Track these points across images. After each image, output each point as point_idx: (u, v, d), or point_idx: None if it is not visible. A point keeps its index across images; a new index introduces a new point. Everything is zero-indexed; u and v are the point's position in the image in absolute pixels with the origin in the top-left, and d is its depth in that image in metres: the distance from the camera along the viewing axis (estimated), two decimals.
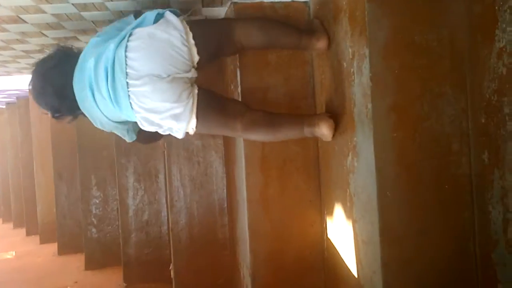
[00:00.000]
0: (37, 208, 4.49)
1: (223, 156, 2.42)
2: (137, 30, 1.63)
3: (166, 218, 2.93)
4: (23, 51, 2.58)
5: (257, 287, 1.88)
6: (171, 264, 2.54)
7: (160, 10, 1.66)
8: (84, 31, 2.24)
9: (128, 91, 1.59)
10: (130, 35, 1.61)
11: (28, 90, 1.95)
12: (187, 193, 2.40)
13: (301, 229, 1.92)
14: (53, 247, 4.13)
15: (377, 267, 1.43)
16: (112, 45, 1.62)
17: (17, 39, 2.30)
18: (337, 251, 1.78)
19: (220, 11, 2.08)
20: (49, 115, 1.91)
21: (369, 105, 1.43)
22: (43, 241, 4.47)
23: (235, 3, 1.91)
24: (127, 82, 1.58)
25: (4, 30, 2.11)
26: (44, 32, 2.19)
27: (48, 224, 4.39)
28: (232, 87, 2.09)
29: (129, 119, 1.73)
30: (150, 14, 1.66)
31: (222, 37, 1.74)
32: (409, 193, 1.43)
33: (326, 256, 1.91)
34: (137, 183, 2.91)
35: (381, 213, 1.41)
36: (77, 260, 3.67)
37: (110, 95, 1.62)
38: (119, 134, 1.93)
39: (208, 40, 1.68)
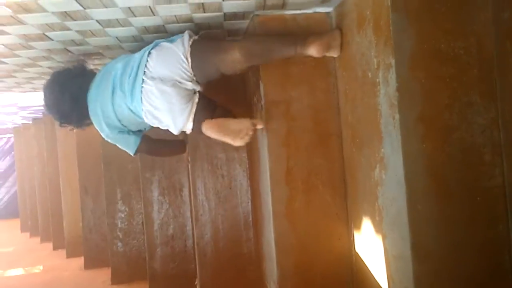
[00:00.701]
0: (64, 222, 4.55)
1: (247, 169, 2.40)
2: (162, 43, 1.95)
3: (191, 231, 2.93)
4: (48, 67, 2.63)
5: None
6: (196, 279, 2.52)
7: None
8: (109, 47, 2.27)
9: (142, 86, 1.89)
10: (156, 45, 1.95)
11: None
12: (211, 206, 2.39)
13: (328, 243, 1.89)
14: (79, 261, 4.16)
15: (409, 283, 1.39)
16: (142, 51, 1.96)
17: (43, 56, 2.35)
18: (366, 266, 1.74)
19: (242, 25, 2.08)
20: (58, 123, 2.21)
21: (396, 116, 1.40)
22: (69, 255, 4.52)
23: (256, 15, 1.91)
24: (142, 79, 1.88)
25: (31, 47, 2.15)
26: (69, 48, 2.23)
27: (75, 238, 4.44)
28: (255, 99, 2.08)
29: (136, 114, 1.96)
30: (179, 35, 1.97)
31: (220, 57, 1.89)
32: (440, 206, 1.39)
33: (355, 270, 1.87)
34: (162, 197, 2.92)
35: (412, 227, 1.38)
36: (104, 274, 3.68)
37: (129, 87, 1.92)
38: (122, 146, 2.14)
39: (205, 61, 1.90)
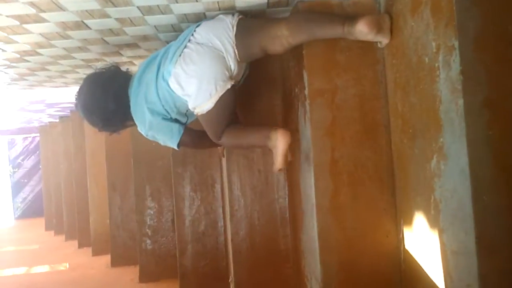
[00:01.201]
0: (90, 220, 4.53)
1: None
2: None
3: (222, 228, 2.86)
4: (83, 60, 2.60)
5: None
6: (230, 276, 2.45)
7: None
8: (146, 38, 2.22)
9: (182, 51, 1.84)
10: (206, 19, 1.94)
11: (76, 103, 2.09)
12: (247, 202, 2.32)
13: (375, 240, 1.80)
14: (105, 259, 4.13)
15: (473, 280, 1.29)
16: (192, 27, 1.91)
17: (78, 47, 2.32)
18: (417, 263, 1.64)
19: (285, 13, 2.01)
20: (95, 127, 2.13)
21: (460, 102, 1.31)
22: (95, 253, 4.50)
23: (301, 2, 1.84)
24: (185, 45, 1.84)
25: (68, 37, 2.12)
26: (106, 38, 2.19)
27: (101, 236, 4.42)
28: (296, 90, 2.00)
29: (167, 83, 1.87)
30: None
31: (266, 31, 1.85)
32: (509, 197, 1.29)
33: (404, 268, 1.77)
34: (194, 192, 2.86)
35: (477, 220, 1.28)
36: (131, 272, 3.64)
37: (171, 55, 1.86)
38: (165, 138, 2.02)
39: (250, 33, 1.86)
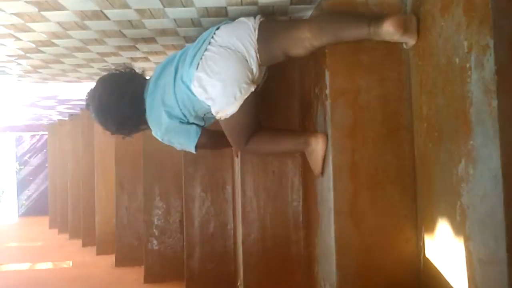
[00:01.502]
0: (96, 219, 4.49)
1: (299, 166, 2.27)
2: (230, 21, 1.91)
3: (232, 231, 2.81)
4: (98, 53, 2.57)
5: None
6: (239, 280, 2.39)
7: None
8: (164, 32, 2.19)
9: (203, 54, 1.80)
10: (226, 22, 1.90)
11: (89, 103, 2.04)
12: (260, 204, 2.26)
13: (394, 246, 1.74)
14: (110, 258, 4.08)
15: None
16: (209, 30, 1.88)
17: (95, 39, 2.28)
18: (439, 272, 1.58)
19: (307, 11, 1.97)
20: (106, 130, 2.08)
21: (494, 103, 1.25)
22: (99, 252, 4.45)
23: (325, 0, 1.79)
24: (206, 48, 1.80)
25: (86, 27, 2.09)
26: (124, 31, 2.15)
27: (106, 235, 4.37)
28: (316, 90, 1.96)
29: (187, 87, 1.83)
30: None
31: (289, 33, 1.81)
32: None
33: (423, 277, 1.71)
34: (204, 193, 2.82)
35: (509, 226, 1.21)
36: (135, 273, 3.59)
37: (190, 58, 1.82)
38: (182, 140, 1.99)
39: (273, 36, 1.82)
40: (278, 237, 2.26)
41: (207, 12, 1.94)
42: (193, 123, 1.97)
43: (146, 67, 2.95)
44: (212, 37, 1.83)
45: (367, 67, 1.78)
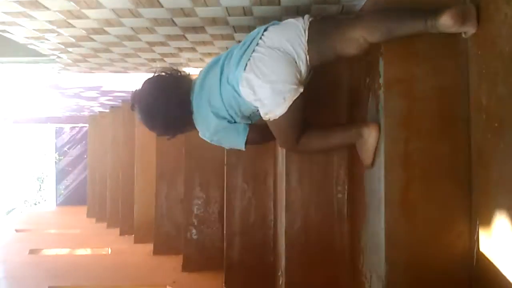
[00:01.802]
0: (134, 208, 4.57)
1: (345, 157, 2.25)
2: (280, 22, 1.88)
3: (272, 222, 2.81)
4: (147, 42, 2.61)
5: None
6: (280, 270, 2.39)
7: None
8: (214, 21, 2.20)
9: (251, 55, 1.79)
10: (274, 24, 1.87)
11: (134, 104, 2.03)
12: (305, 194, 2.25)
13: (446, 240, 1.69)
14: (147, 247, 4.15)
15: None
16: (257, 31, 1.86)
17: (146, 28, 2.32)
18: (494, 267, 1.53)
19: (361, 1, 1.95)
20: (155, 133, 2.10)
21: None
22: (137, 240, 4.53)
23: None
24: (254, 49, 1.79)
25: (139, 15, 2.12)
26: (175, 19, 2.18)
27: (144, 224, 4.45)
28: (368, 80, 1.93)
29: (234, 89, 1.83)
30: None
31: (341, 33, 1.78)
32: None
33: (476, 273, 1.66)
34: (246, 184, 2.82)
35: None
36: (173, 261, 3.64)
37: (237, 59, 1.82)
38: (231, 139, 2.01)
39: (324, 36, 1.80)
40: (321, 228, 2.24)
41: (260, 0, 1.93)
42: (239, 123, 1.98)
43: (192, 57, 2.98)
44: (261, 38, 1.82)
45: (423, 56, 1.74)
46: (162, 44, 2.64)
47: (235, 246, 2.81)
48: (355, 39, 1.75)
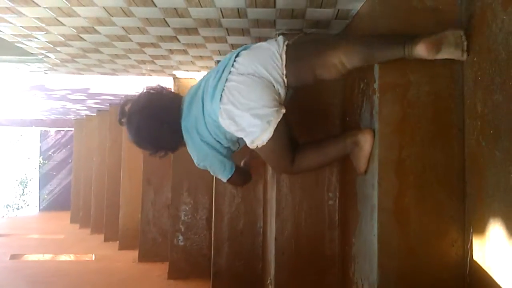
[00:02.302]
0: (120, 214, 4.50)
1: (336, 163, 2.22)
2: (252, 45, 1.88)
3: (261, 229, 2.77)
4: (138, 43, 2.57)
5: None
6: (269, 278, 2.34)
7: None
8: (208, 22, 2.17)
9: (225, 85, 1.77)
10: (244, 48, 1.88)
11: (123, 121, 2.02)
12: (296, 201, 2.21)
13: (439, 248, 1.67)
14: (132, 254, 4.08)
15: None
16: (229, 55, 1.87)
17: (137, 27, 2.28)
18: (488, 276, 1.51)
19: (356, 6, 1.93)
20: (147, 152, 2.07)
21: None
22: (122, 247, 4.46)
23: None
24: (227, 78, 1.77)
25: (130, 14, 2.09)
26: (168, 20, 2.14)
27: (129, 231, 4.38)
28: (362, 85, 1.91)
29: (214, 121, 1.83)
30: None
31: (320, 63, 1.78)
32: None
33: (469, 282, 1.64)
34: (235, 190, 2.78)
35: None
36: (158, 269, 3.58)
37: (212, 89, 1.81)
38: (217, 171, 2.03)
39: (302, 61, 1.80)
40: (312, 235, 2.21)
41: (255, 2, 1.91)
42: (228, 148, 1.98)
43: (183, 60, 2.95)
44: (233, 65, 1.80)
45: (418, 62, 1.72)
46: (154, 45, 2.60)
47: (223, 253, 2.76)
48: (334, 65, 1.75)
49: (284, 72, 1.76)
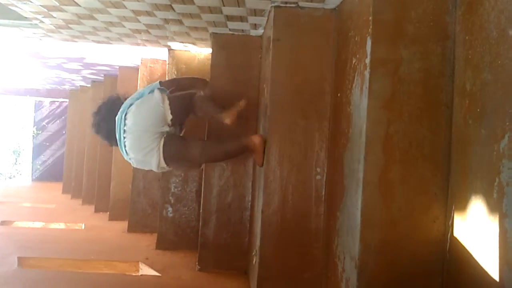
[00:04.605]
0: (111, 185, 4.51)
1: (326, 139, 2.23)
2: (136, 102, 2.62)
3: (249, 203, 2.79)
4: (133, 10, 2.54)
5: (364, 280, 1.67)
6: (255, 250, 2.37)
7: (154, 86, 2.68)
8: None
9: (124, 142, 2.60)
10: (131, 105, 2.61)
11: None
12: (284, 174, 2.23)
13: (421, 224, 1.69)
14: (122, 224, 4.10)
15: None
16: (123, 107, 2.65)
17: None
18: (467, 252, 1.53)
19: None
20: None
21: None
22: (112, 218, 4.48)
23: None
24: (124, 136, 2.59)
25: None
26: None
27: (120, 202, 4.40)
28: (354, 60, 1.91)
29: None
30: (147, 89, 2.69)
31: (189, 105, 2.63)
32: None
33: (448, 258, 1.66)
34: (225, 163, 2.79)
35: None
36: (147, 239, 3.60)
37: (120, 142, 2.63)
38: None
39: (180, 105, 2.61)
40: (298, 209, 2.23)
41: None
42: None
43: (178, 31, 2.93)
44: (125, 123, 2.56)
45: (411, 38, 1.73)
46: (148, 13, 2.57)
47: (210, 224, 2.79)
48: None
49: (170, 118, 2.54)
